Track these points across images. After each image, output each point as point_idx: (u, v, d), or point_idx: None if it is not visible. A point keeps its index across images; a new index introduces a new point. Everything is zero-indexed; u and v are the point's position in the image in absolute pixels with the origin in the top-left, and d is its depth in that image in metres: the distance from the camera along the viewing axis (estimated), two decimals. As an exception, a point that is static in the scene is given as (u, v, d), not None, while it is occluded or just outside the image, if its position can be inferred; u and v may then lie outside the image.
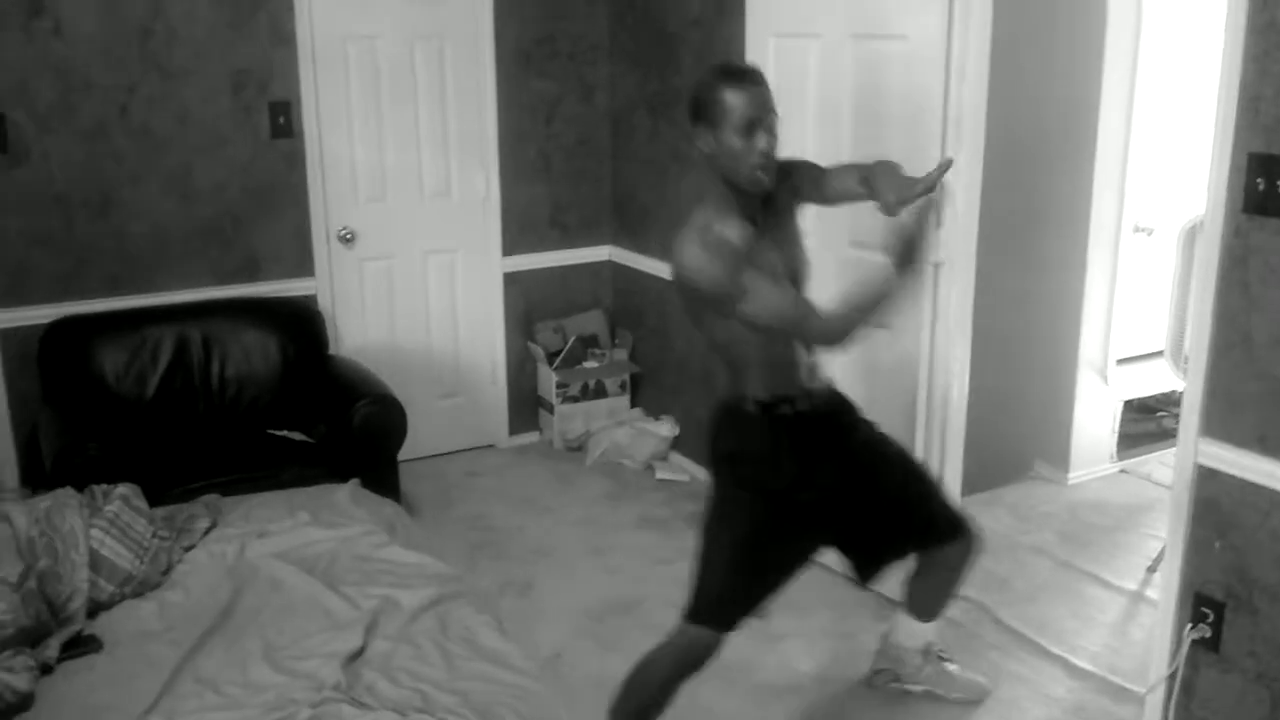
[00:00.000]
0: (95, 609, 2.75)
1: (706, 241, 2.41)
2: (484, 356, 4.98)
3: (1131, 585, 3.75)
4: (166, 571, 2.95)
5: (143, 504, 3.07)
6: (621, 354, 5.06)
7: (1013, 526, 4.09)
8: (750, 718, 3.07)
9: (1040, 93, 4.15)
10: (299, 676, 2.48)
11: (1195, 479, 2.58)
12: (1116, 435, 4.58)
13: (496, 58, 4.68)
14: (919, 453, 3.38)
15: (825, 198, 2.66)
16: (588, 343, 5.01)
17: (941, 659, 3.13)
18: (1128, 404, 4.61)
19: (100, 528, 2.86)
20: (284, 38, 4.26)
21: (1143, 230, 4.46)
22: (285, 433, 4.08)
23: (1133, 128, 4.24)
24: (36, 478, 3.80)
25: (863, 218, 3.15)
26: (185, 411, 4.02)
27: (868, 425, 2.82)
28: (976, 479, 3.83)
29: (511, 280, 4.93)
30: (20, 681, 2.40)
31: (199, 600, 2.83)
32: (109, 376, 3.91)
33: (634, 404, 5.08)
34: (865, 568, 2.91)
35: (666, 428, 4.82)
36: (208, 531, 3.14)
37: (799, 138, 3.35)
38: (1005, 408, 4.25)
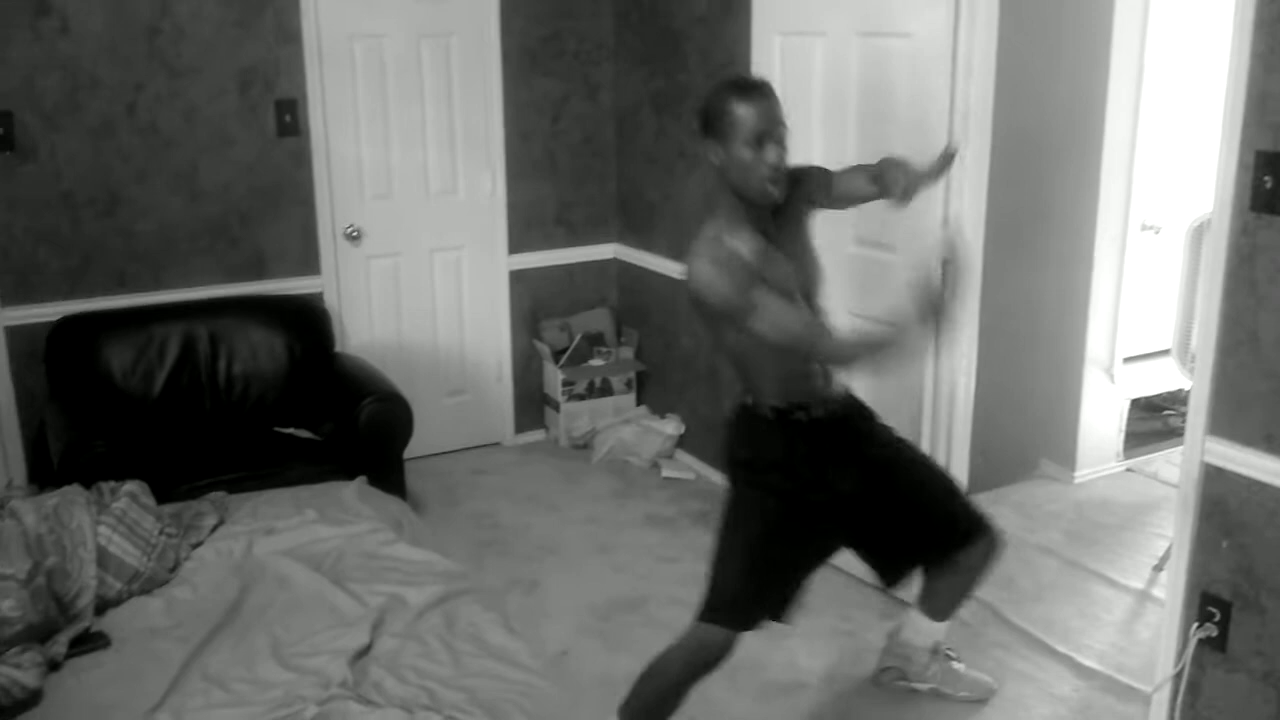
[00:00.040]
0: (103, 606, 2.77)
1: (717, 257, 2.40)
2: (490, 354, 4.99)
3: (1138, 584, 3.74)
4: (174, 568, 2.96)
5: (150, 501, 3.08)
6: (627, 352, 5.06)
7: (1019, 525, 4.08)
8: (757, 715, 3.07)
9: (1046, 90, 4.14)
10: (306, 673, 2.49)
11: (1202, 478, 2.57)
12: (1123, 434, 4.56)
13: (503, 56, 4.68)
14: (925, 451, 3.37)
15: (835, 201, 2.66)
16: (593, 341, 5.01)
17: (948, 657, 3.13)
18: (1134, 402, 4.59)
19: (108, 525, 2.87)
20: (290, 36, 4.26)
21: (1150, 228, 4.44)
22: (292, 430, 4.09)
23: (1139, 125, 4.22)
24: (44, 475, 3.81)
25: (866, 216, 3.16)
26: (192, 409, 4.03)
27: (885, 430, 2.82)
28: (982, 478, 3.83)
29: (517, 278, 4.93)
30: (29, 678, 2.41)
31: (206, 597, 2.83)
32: (116, 374, 3.92)
33: (640, 402, 5.07)
34: (889, 573, 2.92)
35: (672, 426, 4.82)
36: (215, 529, 3.15)
37: (805, 136, 3.34)
38: (1011, 406, 4.24)
